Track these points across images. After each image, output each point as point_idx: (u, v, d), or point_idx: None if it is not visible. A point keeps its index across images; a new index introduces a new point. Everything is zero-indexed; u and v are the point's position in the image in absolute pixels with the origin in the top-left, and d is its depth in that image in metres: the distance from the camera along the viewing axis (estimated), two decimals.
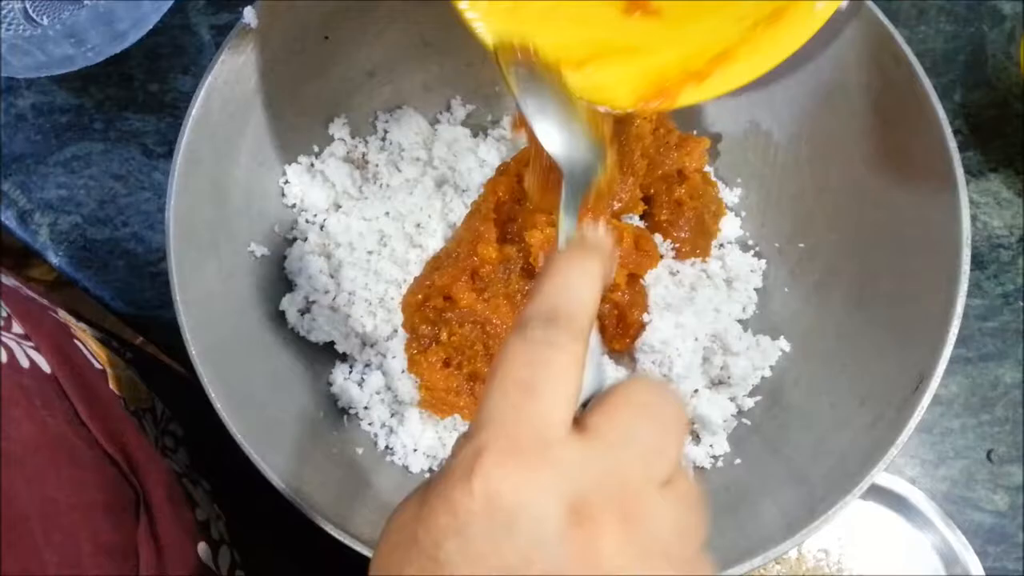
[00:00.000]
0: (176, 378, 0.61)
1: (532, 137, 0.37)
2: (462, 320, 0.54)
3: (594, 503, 0.25)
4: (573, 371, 0.27)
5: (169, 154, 0.53)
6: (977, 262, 0.64)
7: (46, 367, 0.42)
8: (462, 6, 0.40)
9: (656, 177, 0.56)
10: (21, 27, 0.60)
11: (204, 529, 0.47)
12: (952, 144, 0.46)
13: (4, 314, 0.43)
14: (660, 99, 0.41)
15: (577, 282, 0.29)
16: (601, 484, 0.25)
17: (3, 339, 0.41)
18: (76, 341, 0.47)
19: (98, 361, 0.47)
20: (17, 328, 0.43)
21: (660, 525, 0.26)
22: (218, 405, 0.44)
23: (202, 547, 0.46)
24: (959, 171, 0.46)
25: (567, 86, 0.38)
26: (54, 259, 0.64)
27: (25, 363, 0.41)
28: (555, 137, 0.37)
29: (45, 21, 0.61)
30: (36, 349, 0.42)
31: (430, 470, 0.54)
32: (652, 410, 0.27)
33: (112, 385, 0.47)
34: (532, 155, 0.39)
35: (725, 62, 0.40)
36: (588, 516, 0.25)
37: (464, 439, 0.26)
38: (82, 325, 0.51)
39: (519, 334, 0.27)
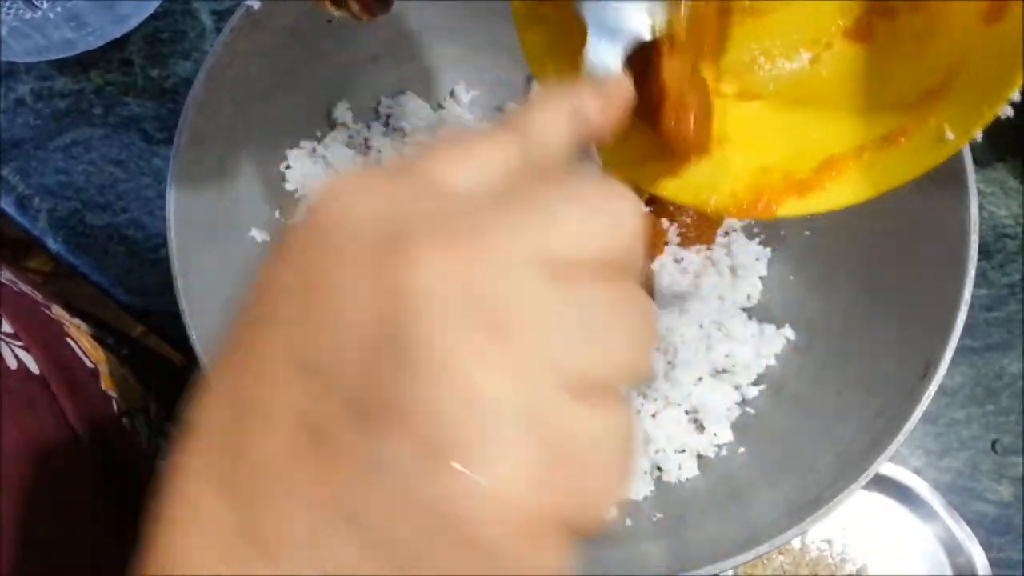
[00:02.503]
0: (174, 374, 0.60)
1: None
2: None
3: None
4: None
5: (169, 140, 0.53)
6: (983, 252, 0.63)
7: (35, 367, 0.42)
8: None
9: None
10: (21, 10, 0.60)
11: None
12: None
13: None
14: (760, 206, 0.35)
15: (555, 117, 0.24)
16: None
17: None
18: (68, 339, 0.46)
19: (90, 360, 0.47)
20: (7, 327, 0.42)
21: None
22: None
23: None
24: (968, 158, 0.46)
25: None
26: (53, 245, 0.63)
27: (13, 364, 0.40)
28: None
29: (45, 4, 0.60)
30: (25, 349, 0.42)
31: None
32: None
33: (104, 384, 0.46)
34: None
35: (833, 176, 0.34)
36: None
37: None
38: (76, 321, 0.50)
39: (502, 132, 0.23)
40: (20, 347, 0.42)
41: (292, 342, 0.20)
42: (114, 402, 0.46)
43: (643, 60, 0.31)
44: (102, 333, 0.53)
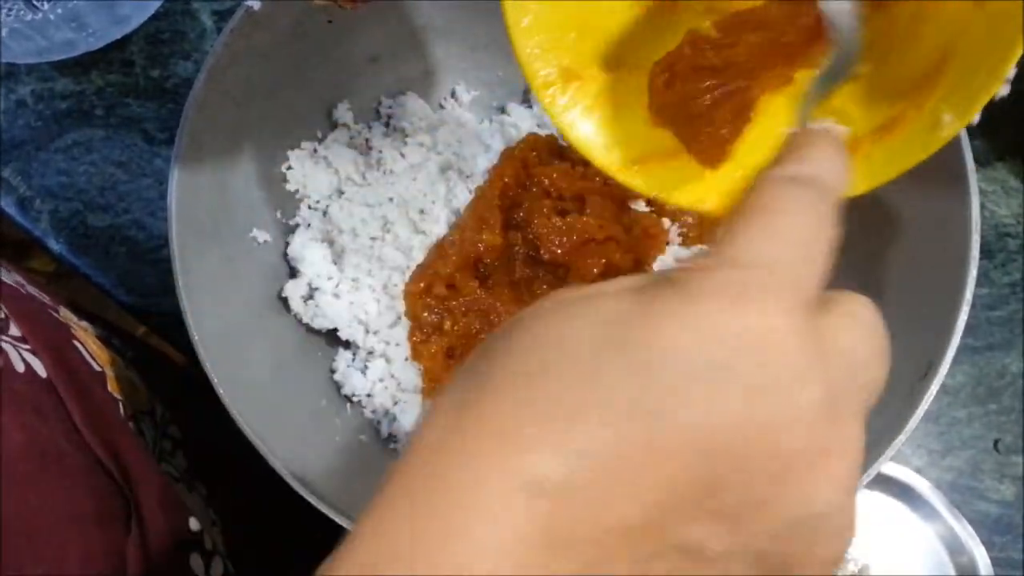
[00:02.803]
0: (178, 375, 0.60)
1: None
2: (465, 309, 0.54)
3: (844, 407, 0.22)
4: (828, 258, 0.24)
5: (170, 140, 0.53)
6: (984, 251, 0.63)
7: (42, 371, 0.41)
8: None
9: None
10: (22, 11, 0.60)
11: (197, 540, 0.47)
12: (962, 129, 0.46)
13: (1, 315, 0.43)
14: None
15: (837, 165, 0.26)
16: (849, 388, 0.22)
17: None
18: (75, 342, 0.46)
19: (97, 363, 0.47)
20: (15, 330, 0.42)
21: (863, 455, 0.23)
22: (220, 391, 0.44)
23: (194, 558, 0.45)
24: (968, 156, 0.46)
25: None
26: (55, 246, 0.64)
27: (20, 367, 0.40)
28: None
29: (46, 6, 0.60)
30: (33, 353, 0.42)
31: None
32: (873, 329, 0.24)
33: (111, 387, 0.46)
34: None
35: None
36: (840, 419, 0.21)
37: (718, 261, 0.22)
38: (83, 323, 0.50)
39: (795, 186, 0.24)
40: (28, 350, 0.42)
41: None
42: (120, 405, 0.46)
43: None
44: (108, 334, 0.53)
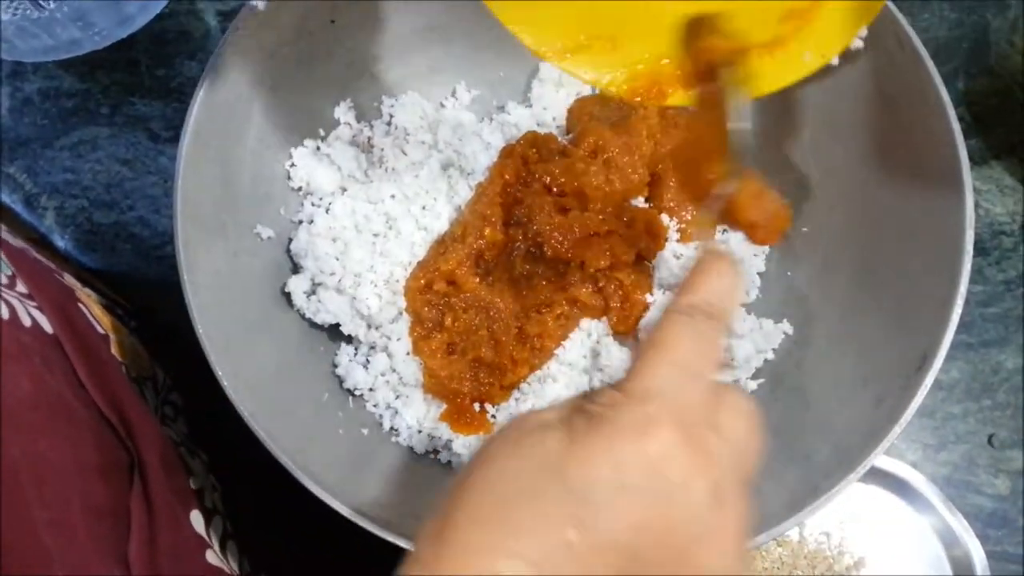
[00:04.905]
0: (185, 348, 0.61)
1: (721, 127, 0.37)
2: (466, 306, 0.54)
3: (727, 493, 0.28)
4: (717, 368, 0.31)
5: (175, 139, 0.53)
6: (979, 249, 0.64)
7: (48, 327, 0.42)
8: None
9: (663, 154, 0.57)
10: (27, 10, 0.60)
11: (198, 497, 0.47)
12: (956, 127, 0.46)
13: (8, 273, 0.43)
14: (653, 92, 0.41)
15: (729, 288, 0.33)
16: (730, 477, 0.29)
17: (6, 296, 0.41)
18: (80, 304, 0.47)
19: (101, 326, 0.47)
20: (21, 287, 0.43)
21: (748, 521, 0.30)
22: (225, 384, 0.45)
23: (195, 515, 0.46)
24: (963, 154, 0.46)
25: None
26: (60, 243, 0.64)
27: (27, 321, 0.41)
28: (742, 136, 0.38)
29: (52, 4, 0.61)
30: (39, 309, 0.43)
31: (434, 451, 0.55)
32: (750, 418, 0.31)
33: (114, 350, 0.47)
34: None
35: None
36: (724, 504, 0.28)
37: (623, 397, 0.29)
38: (87, 290, 0.51)
39: (687, 319, 0.31)
40: (34, 307, 0.42)
41: None
42: (124, 367, 0.47)
43: None
44: (111, 304, 0.54)
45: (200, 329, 0.46)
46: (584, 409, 0.29)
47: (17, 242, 0.48)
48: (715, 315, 0.31)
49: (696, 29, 0.39)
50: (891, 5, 0.48)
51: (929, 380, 0.45)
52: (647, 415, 0.28)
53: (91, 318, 0.47)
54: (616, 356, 0.54)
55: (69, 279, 0.50)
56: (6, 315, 0.40)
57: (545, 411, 0.31)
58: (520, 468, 0.28)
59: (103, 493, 0.40)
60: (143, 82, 0.66)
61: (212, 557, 0.46)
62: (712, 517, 0.28)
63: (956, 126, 0.47)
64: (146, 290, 0.63)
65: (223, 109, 0.50)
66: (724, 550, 0.28)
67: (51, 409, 0.39)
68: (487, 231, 0.53)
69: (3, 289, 0.42)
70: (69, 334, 0.43)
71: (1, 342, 0.38)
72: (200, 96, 0.48)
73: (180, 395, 0.53)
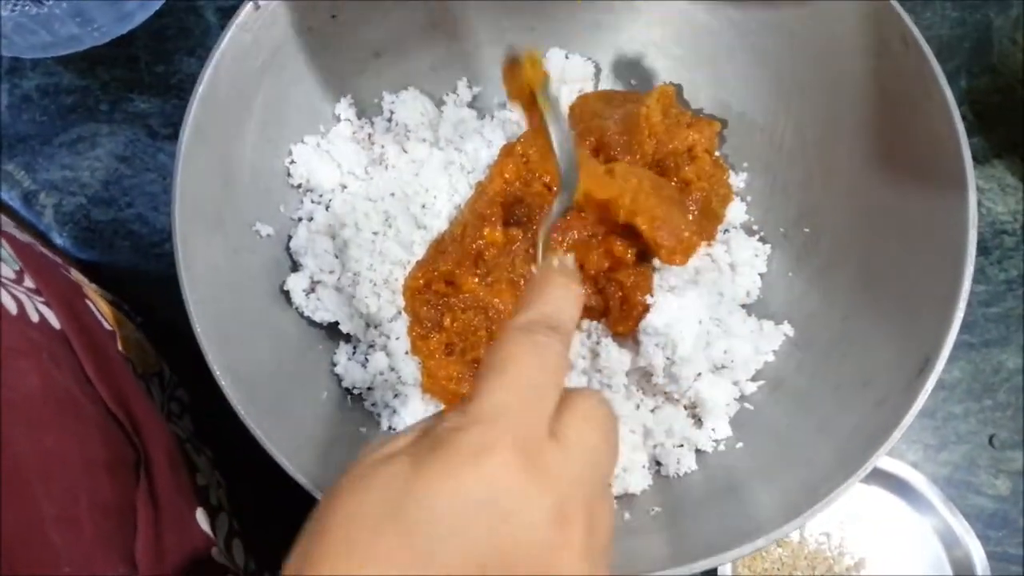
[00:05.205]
0: (186, 346, 0.61)
1: (550, 151, 0.40)
2: (465, 306, 0.54)
3: (571, 508, 0.28)
4: (564, 379, 0.31)
5: (174, 136, 0.53)
6: (981, 248, 0.63)
7: (56, 323, 0.42)
8: None
9: (666, 152, 0.56)
10: (27, 6, 0.60)
11: (203, 494, 0.47)
12: (961, 127, 0.46)
13: (17, 268, 0.43)
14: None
15: (569, 298, 0.33)
16: (574, 491, 0.28)
17: (14, 292, 0.41)
18: (87, 301, 0.47)
19: (108, 322, 0.47)
20: (29, 282, 0.43)
21: (607, 524, 0.30)
22: (222, 383, 0.45)
23: (200, 512, 0.46)
24: (967, 154, 0.46)
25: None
26: (58, 240, 0.64)
27: (35, 317, 0.41)
28: (567, 155, 0.40)
29: (51, 0, 0.61)
30: (47, 305, 0.43)
31: None
32: (602, 422, 0.31)
33: (121, 347, 0.47)
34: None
35: None
36: (567, 520, 0.28)
37: (465, 419, 0.28)
38: (94, 286, 0.51)
39: (526, 336, 0.31)
40: (42, 302, 0.42)
41: None
42: (130, 364, 0.47)
43: None
44: (117, 300, 0.54)
45: (197, 327, 0.45)
46: (430, 433, 0.29)
47: (24, 237, 0.48)
48: (555, 327, 0.31)
49: (514, 69, 0.41)
50: (896, 4, 0.48)
51: (931, 383, 0.44)
52: (484, 439, 0.27)
53: (98, 314, 0.47)
54: (616, 357, 0.54)
55: (76, 275, 0.50)
56: (14, 310, 0.40)
57: (394, 437, 0.30)
58: (364, 502, 0.28)
59: (110, 490, 0.40)
60: (142, 79, 0.65)
61: (217, 555, 0.46)
62: (555, 536, 0.27)
63: (960, 126, 0.46)
64: (145, 287, 0.63)
65: (222, 106, 0.50)
66: (569, 564, 0.27)
67: (59, 405, 0.39)
68: (487, 231, 0.53)
69: (11, 284, 0.42)
70: (76, 330, 0.43)
71: (5, 338, 0.38)
72: (199, 93, 0.48)
73: (187, 392, 0.53)
